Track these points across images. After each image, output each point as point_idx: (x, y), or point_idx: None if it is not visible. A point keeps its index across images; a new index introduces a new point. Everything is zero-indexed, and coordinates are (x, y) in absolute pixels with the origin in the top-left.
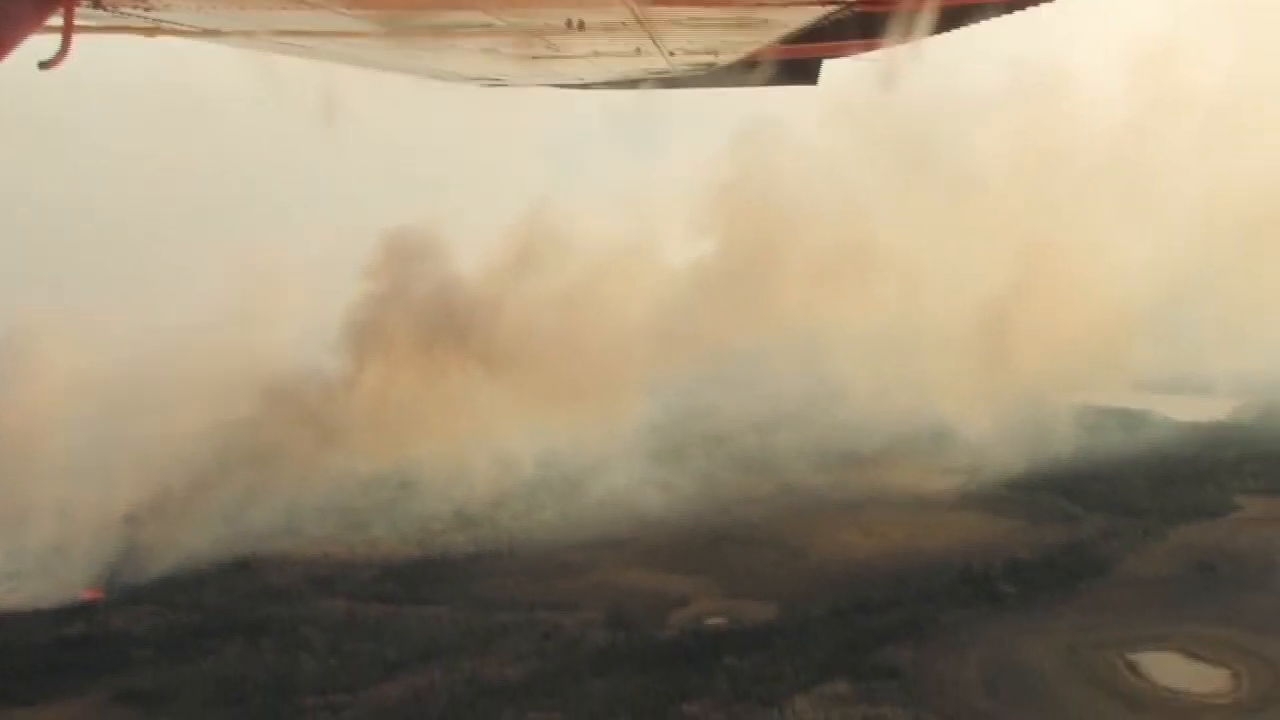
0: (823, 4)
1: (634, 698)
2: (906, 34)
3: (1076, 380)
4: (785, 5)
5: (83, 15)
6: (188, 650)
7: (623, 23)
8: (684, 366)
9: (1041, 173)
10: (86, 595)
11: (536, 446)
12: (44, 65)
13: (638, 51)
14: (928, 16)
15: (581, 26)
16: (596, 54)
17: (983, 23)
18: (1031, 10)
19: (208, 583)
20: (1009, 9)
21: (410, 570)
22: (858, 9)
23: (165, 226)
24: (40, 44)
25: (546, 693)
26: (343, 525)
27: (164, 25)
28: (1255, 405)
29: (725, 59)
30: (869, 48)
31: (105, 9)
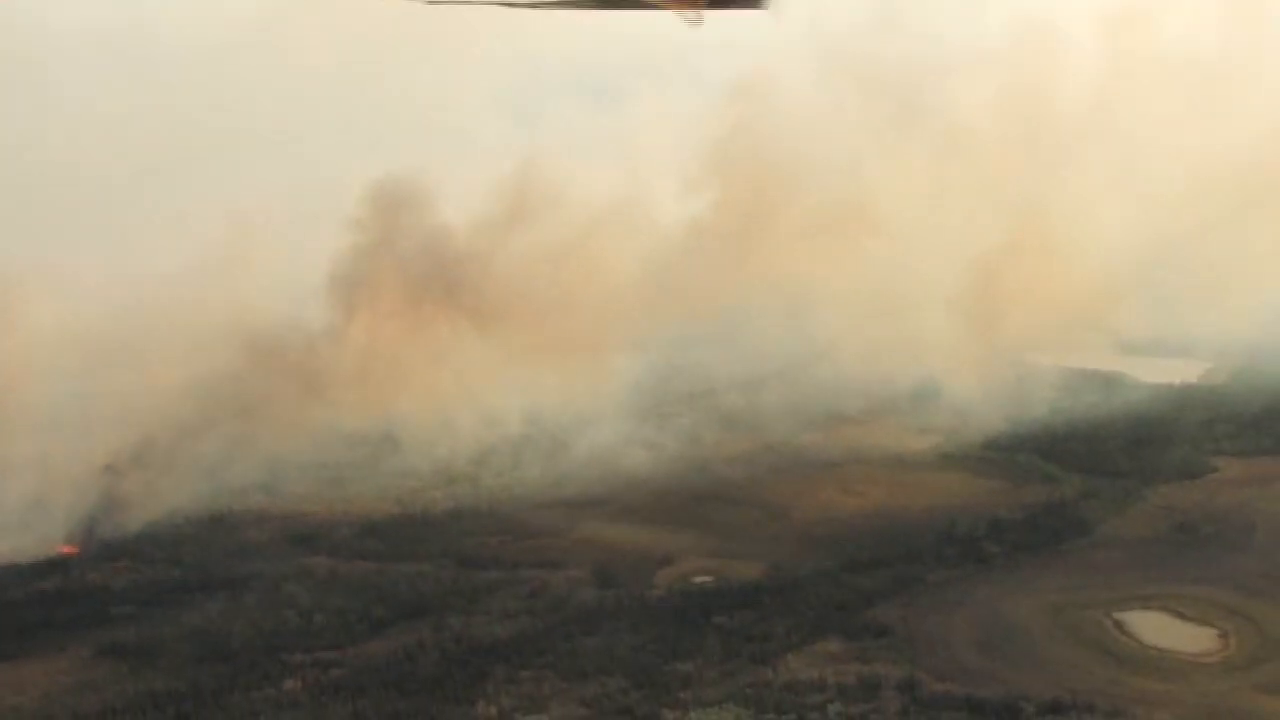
0: None
1: (626, 656)
2: None
3: (1061, 341)
4: None
5: None
6: (169, 606)
7: None
8: (671, 323)
9: (1030, 132)
10: (62, 550)
11: (522, 403)
12: None
13: None
14: None
15: None
16: None
17: None
18: None
19: (184, 539)
20: None
21: (390, 528)
22: None
23: (144, 175)
24: None
25: (538, 651)
26: (323, 481)
27: None
28: (1224, 368)
29: None
30: None
31: None
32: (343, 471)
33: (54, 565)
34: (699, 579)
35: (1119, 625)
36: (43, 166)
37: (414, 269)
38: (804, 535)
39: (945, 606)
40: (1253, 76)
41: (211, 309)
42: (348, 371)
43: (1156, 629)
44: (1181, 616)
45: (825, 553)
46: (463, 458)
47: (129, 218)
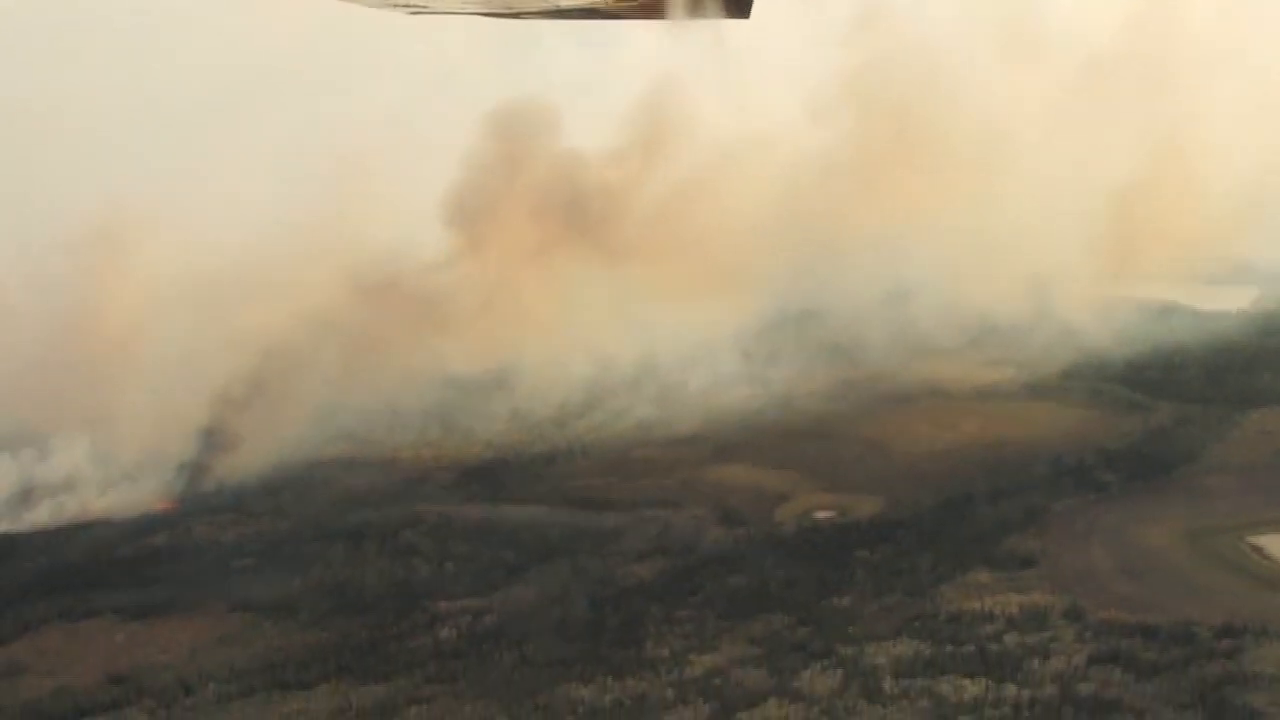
0: None
1: (780, 594)
2: None
3: (1169, 274)
4: None
5: None
6: (288, 558)
7: None
8: (791, 259)
9: (1160, 60)
10: (160, 505)
11: (638, 342)
12: None
13: None
14: None
15: None
16: None
17: None
18: None
19: (283, 489)
20: None
21: (487, 471)
22: None
23: (257, 111)
24: None
25: (689, 591)
26: (422, 425)
27: None
28: (1273, 294)
29: None
30: None
31: None
32: (448, 417)
33: (157, 520)
34: (820, 514)
35: (1257, 550)
36: (153, 108)
37: (540, 199)
38: (910, 469)
39: (1078, 535)
40: None
41: (326, 245)
42: (466, 308)
43: None
44: None
45: (938, 486)
46: (575, 401)
47: (237, 155)
